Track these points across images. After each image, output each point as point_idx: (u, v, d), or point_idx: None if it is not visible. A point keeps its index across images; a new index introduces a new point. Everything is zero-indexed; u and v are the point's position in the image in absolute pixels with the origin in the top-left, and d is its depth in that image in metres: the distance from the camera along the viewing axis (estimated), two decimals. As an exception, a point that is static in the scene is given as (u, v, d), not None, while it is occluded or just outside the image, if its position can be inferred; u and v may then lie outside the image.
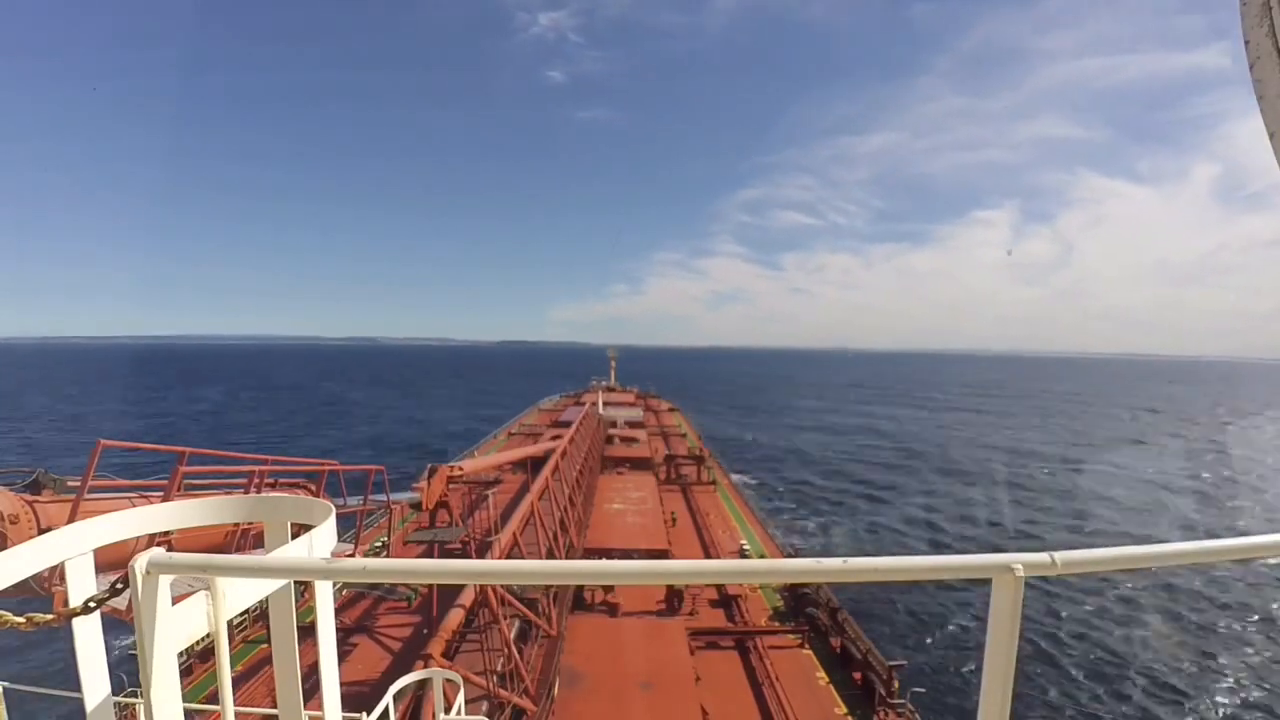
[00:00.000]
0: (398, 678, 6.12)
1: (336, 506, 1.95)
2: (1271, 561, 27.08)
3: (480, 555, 16.15)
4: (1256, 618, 25.70)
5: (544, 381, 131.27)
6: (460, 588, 13.53)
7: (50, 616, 1.53)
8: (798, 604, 18.65)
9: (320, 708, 2.00)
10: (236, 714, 1.81)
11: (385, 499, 15.02)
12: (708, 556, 23.14)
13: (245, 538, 8.70)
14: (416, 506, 17.35)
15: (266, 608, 1.87)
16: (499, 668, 12.05)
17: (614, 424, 49.38)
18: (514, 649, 12.35)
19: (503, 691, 11.61)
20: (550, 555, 16.17)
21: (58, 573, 1.63)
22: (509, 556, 13.28)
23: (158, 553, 1.48)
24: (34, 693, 6.36)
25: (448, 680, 6.60)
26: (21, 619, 1.49)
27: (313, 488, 11.22)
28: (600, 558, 15.95)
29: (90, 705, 1.61)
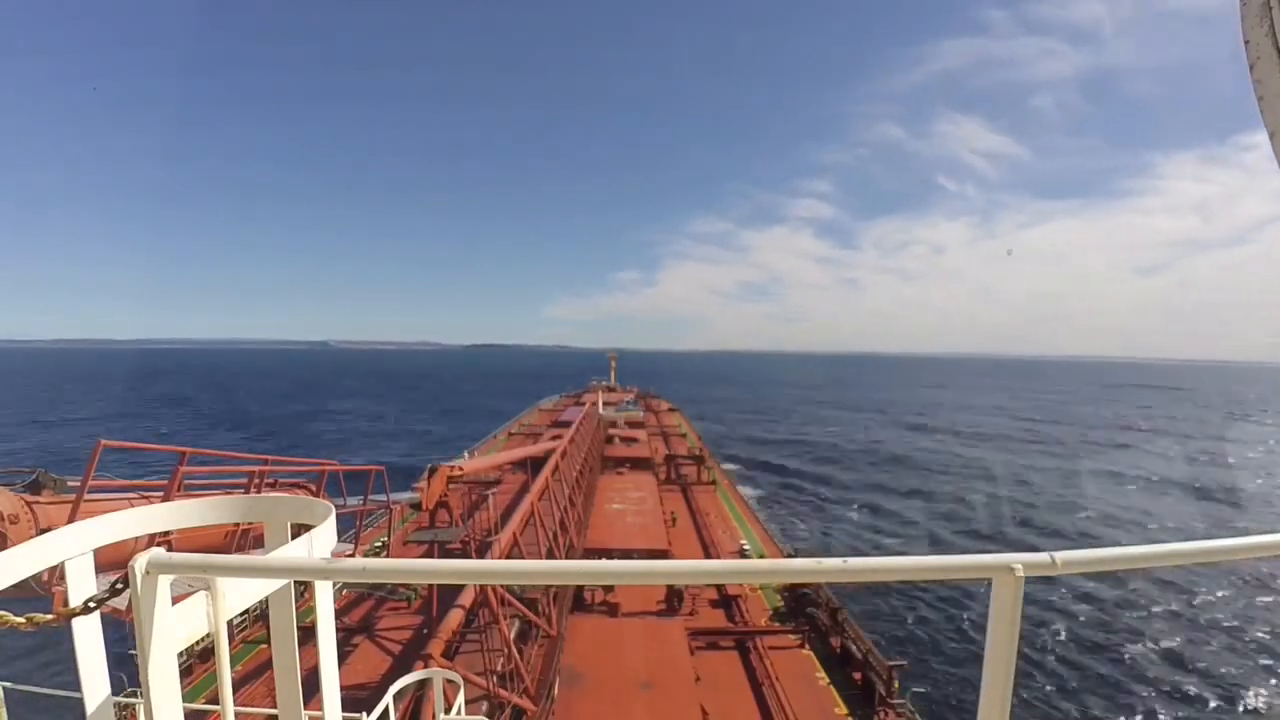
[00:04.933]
0: (398, 678, 6.12)
1: (336, 506, 1.95)
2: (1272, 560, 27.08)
3: (480, 555, 16.15)
4: (1256, 617, 25.72)
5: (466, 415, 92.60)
6: (460, 588, 13.52)
7: (50, 616, 1.53)
8: (798, 604, 18.65)
9: (320, 708, 2.00)
10: (236, 714, 1.82)
11: (385, 499, 15.04)
12: (708, 556, 23.14)
13: (245, 538, 8.71)
14: (416, 506, 17.37)
15: (266, 608, 1.87)
16: (499, 668, 12.05)
17: (614, 424, 49.40)
18: (514, 649, 12.34)
19: (503, 691, 11.61)
20: (550, 555, 16.17)
21: (58, 573, 1.63)
22: (509, 556, 13.28)
23: (158, 553, 1.48)
24: (34, 693, 6.36)
25: (448, 680, 6.61)
26: (21, 619, 1.49)
27: (313, 488, 11.25)
28: (600, 558, 15.95)
29: (90, 705, 1.61)
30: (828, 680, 15.32)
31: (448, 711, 6.76)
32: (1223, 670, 21.85)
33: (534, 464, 24.21)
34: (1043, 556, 1.41)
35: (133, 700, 7.32)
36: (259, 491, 8.84)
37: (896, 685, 14.23)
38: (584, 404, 54.29)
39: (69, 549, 1.59)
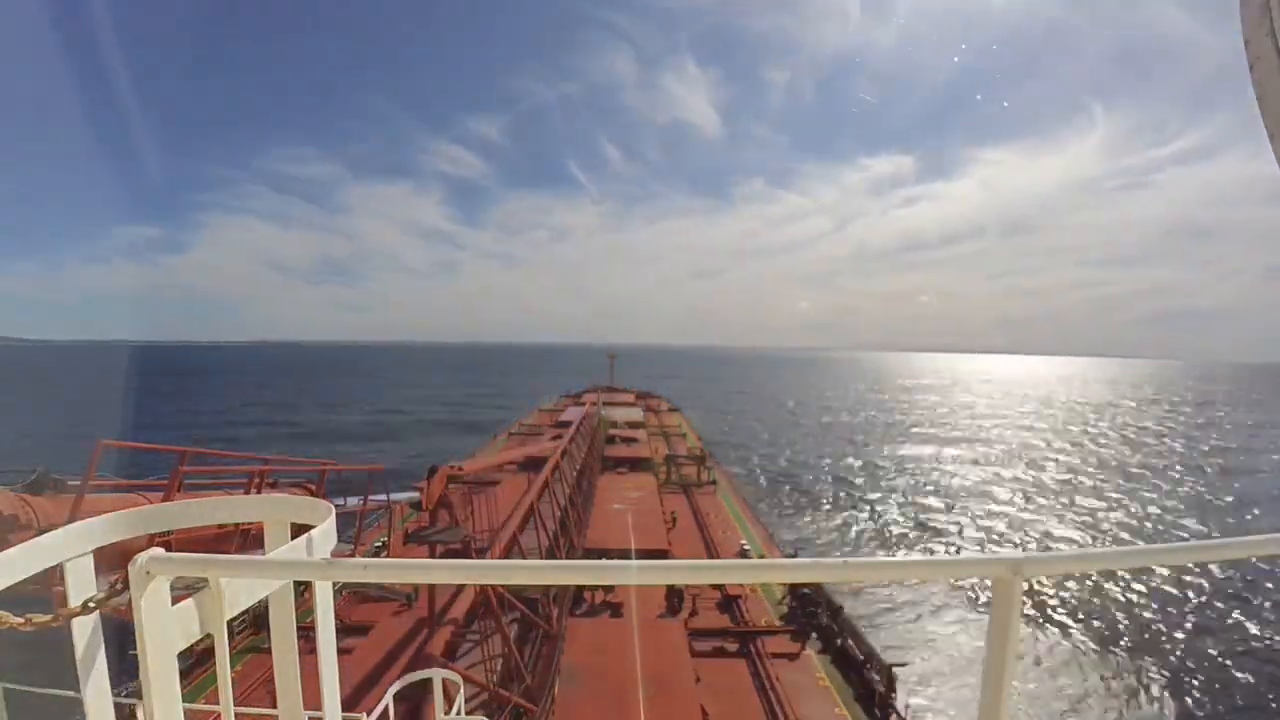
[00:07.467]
0: (398, 678, 6.13)
1: (336, 506, 1.95)
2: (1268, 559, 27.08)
3: (480, 555, 16.15)
4: (1254, 614, 25.72)
5: None
6: (460, 588, 13.52)
7: (50, 616, 1.53)
8: (799, 604, 18.65)
9: (320, 708, 2.00)
10: (236, 714, 1.81)
11: (385, 499, 15.03)
12: (708, 556, 23.14)
13: (245, 538, 8.71)
14: (416, 506, 17.34)
15: (266, 608, 1.86)
16: (499, 668, 12.05)
17: (614, 424, 49.37)
18: (514, 649, 12.35)
19: (503, 691, 11.61)
20: (550, 555, 16.17)
21: (57, 573, 1.63)
22: (509, 556, 13.28)
23: (157, 553, 1.47)
24: (34, 693, 6.36)
25: (448, 680, 6.61)
26: (21, 619, 1.49)
27: (313, 488, 11.25)
28: (600, 558, 15.91)
29: (90, 705, 1.60)
30: (828, 680, 15.33)
31: (448, 712, 6.76)
32: (1221, 668, 21.86)
33: (534, 464, 24.22)
34: (1043, 555, 1.41)
35: (133, 700, 7.33)
36: (259, 491, 8.84)
37: (896, 685, 14.24)
38: (584, 404, 54.31)
39: (69, 549, 1.59)
